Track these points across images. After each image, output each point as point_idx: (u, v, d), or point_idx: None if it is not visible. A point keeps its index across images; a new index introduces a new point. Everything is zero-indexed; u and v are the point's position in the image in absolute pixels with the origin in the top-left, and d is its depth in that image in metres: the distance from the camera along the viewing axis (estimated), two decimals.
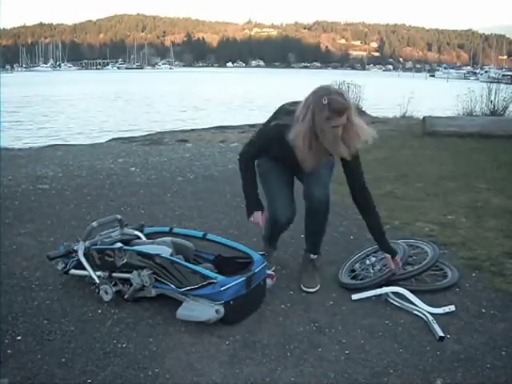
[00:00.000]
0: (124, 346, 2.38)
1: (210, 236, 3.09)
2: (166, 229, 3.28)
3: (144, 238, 3.14)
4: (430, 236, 3.88)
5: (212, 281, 2.50)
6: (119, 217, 3.18)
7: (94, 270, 2.82)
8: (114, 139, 9.37)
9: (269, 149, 2.85)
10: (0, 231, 3.80)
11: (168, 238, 3.02)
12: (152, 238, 3.11)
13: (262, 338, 2.47)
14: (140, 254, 2.73)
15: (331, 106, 2.49)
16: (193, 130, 10.76)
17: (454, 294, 2.95)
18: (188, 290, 2.56)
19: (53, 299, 2.81)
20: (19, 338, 2.42)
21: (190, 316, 2.52)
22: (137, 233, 3.18)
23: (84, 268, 2.86)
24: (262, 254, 2.85)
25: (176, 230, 3.24)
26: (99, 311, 2.68)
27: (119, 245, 2.92)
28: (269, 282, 2.80)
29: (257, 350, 2.36)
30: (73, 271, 2.96)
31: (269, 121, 2.88)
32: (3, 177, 5.49)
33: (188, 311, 2.53)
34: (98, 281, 2.77)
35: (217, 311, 2.47)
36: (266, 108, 20.70)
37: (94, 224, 2.94)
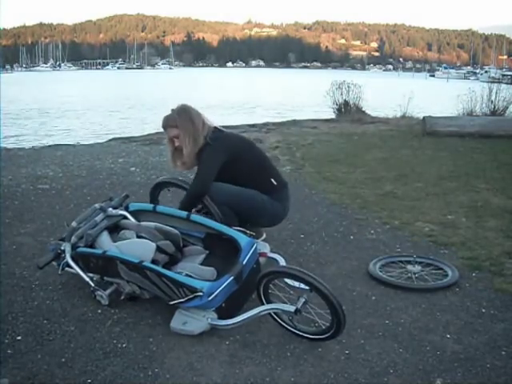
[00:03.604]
0: (124, 345, 2.38)
1: (194, 217, 3.00)
2: (150, 207, 3.19)
3: (131, 218, 3.04)
4: (430, 236, 3.89)
5: (198, 294, 2.43)
6: (98, 206, 3.04)
7: (85, 272, 2.76)
8: (114, 139, 9.36)
9: None
10: (0, 231, 3.80)
11: (151, 224, 2.94)
12: (137, 218, 3.04)
13: (261, 337, 2.47)
14: (124, 262, 2.62)
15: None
16: None
17: (454, 294, 2.95)
18: (177, 302, 2.52)
19: (53, 299, 2.81)
20: (19, 337, 2.42)
21: (183, 331, 2.48)
22: (122, 212, 3.07)
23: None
24: (250, 235, 2.80)
25: (159, 208, 3.16)
26: (99, 311, 2.68)
27: (102, 249, 2.77)
28: (262, 260, 2.75)
29: (257, 350, 2.37)
30: (68, 269, 2.87)
31: None
32: (3, 177, 5.48)
33: (181, 325, 2.49)
34: (92, 283, 2.71)
35: (209, 321, 2.44)
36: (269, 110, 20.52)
37: (74, 224, 2.85)
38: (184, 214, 3.03)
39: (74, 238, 2.81)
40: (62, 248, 2.82)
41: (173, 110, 3.23)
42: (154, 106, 22.31)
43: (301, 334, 2.46)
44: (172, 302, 2.55)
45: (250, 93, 33.45)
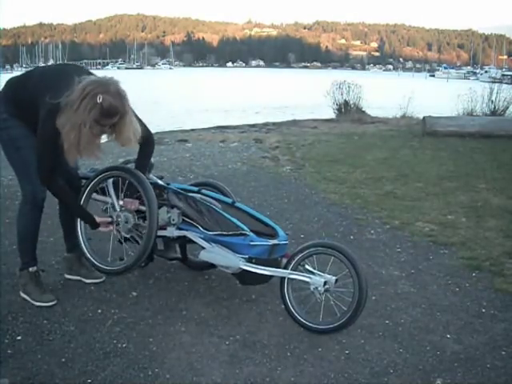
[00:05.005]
0: (124, 345, 2.38)
1: (238, 204, 3.05)
2: (195, 189, 3.11)
3: (162, 182, 3.01)
4: (430, 236, 3.89)
5: (245, 232, 2.56)
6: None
7: (118, 199, 2.76)
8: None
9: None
10: (0, 231, 3.80)
11: (197, 195, 2.94)
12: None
13: (262, 337, 2.47)
14: (176, 192, 2.75)
15: (103, 107, 2.29)
16: (193, 129, 10.73)
17: (454, 294, 2.95)
18: (218, 234, 2.60)
19: None
20: (19, 337, 2.42)
21: (214, 258, 2.59)
22: (161, 182, 3.00)
23: (107, 195, 2.80)
24: (286, 234, 2.87)
25: (205, 191, 3.10)
26: (99, 311, 2.68)
27: (160, 182, 2.89)
28: (284, 261, 2.78)
29: (257, 350, 2.37)
30: (95, 195, 2.87)
31: (42, 86, 2.46)
32: (3, 177, 5.48)
33: (211, 254, 2.58)
34: (118, 209, 2.73)
35: (241, 261, 2.52)
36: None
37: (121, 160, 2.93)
38: (229, 200, 3.07)
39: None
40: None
41: (109, 89, 2.34)
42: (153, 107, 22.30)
43: (313, 326, 2.52)
44: (211, 233, 2.62)
45: (250, 93, 33.45)
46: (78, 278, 3.00)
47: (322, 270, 2.59)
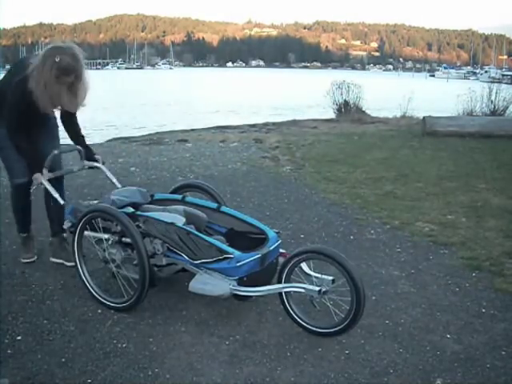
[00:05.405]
0: (124, 345, 2.38)
1: (224, 208, 3.00)
2: (179, 197, 3.15)
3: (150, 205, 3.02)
4: (430, 236, 3.89)
5: (228, 256, 2.48)
6: (135, 188, 3.16)
7: (103, 233, 2.76)
8: (113, 139, 9.36)
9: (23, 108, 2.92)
10: (0, 231, 3.80)
11: (180, 207, 2.94)
12: (163, 205, 3.02)
13: (262, 338, 2.47)
14: (154, 222, 2.68)
15: (60, 65, 2.76)
16: (193, 129, 10.73)
17: (454, 294, 2.95)
18: (203, 262, 2.54)
19: (53, 299, 2.81)
20: (19, 337, 2.42)
21: (202, 289, 2.51)
22: (139, 212, 2.94)
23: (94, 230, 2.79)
24: (276, 232, 2.82)
25: (189, 199, 3.12)
26: (99, 311, 2.68)
27: (131, 209, 2.84)
28: (281, 260, 2.76)
29: (257, 350, 2.37)
30: (86, 233, 2.87)
31: (8, 77, 3.04)
32: (3, 177, 5.48)
33: (201, 284, 2.52)
34: (105, 244, 2.73)
35: (231, 286, 2.46)
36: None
37: (56, 152, 3.04)
38: (214, 205, 3.04)
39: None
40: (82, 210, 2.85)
41: (65, 51, 2.83)
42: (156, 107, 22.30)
43: (312, 328, 2.49)
44: (197, 262, 2.56)
45: (250, 93, 33.45)
46: (61, 261, 3.26)
47: (320, 269, 2.56)
